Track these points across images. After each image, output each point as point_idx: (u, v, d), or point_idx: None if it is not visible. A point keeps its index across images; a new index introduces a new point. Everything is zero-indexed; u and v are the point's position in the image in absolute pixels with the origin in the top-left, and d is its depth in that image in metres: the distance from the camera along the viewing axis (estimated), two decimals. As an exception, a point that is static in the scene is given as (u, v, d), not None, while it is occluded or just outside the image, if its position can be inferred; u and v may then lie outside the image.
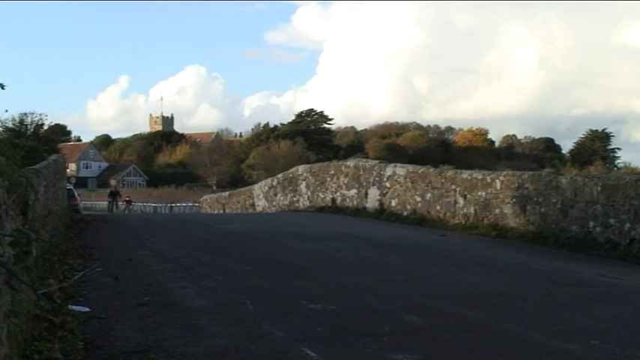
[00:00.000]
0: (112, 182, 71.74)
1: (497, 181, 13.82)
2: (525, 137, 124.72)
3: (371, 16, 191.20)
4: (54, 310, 5.52)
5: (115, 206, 41.73)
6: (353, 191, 19.77)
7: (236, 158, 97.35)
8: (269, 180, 27.59)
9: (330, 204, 21.01)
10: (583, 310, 6.53)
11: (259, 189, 27.79)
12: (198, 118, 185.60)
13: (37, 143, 46.59)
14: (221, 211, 31.27)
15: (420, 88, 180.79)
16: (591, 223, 11.27)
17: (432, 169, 16.89)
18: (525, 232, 12.67)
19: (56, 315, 5.46)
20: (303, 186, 23.38)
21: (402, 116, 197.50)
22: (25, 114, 50.95)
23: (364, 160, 21.94)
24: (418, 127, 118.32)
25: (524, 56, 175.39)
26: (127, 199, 48.66)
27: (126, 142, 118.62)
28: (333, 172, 21.27)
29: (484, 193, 14.12)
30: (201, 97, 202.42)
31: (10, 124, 46.13)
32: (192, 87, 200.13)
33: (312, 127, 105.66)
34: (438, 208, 15.60)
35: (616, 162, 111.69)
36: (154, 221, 18.00)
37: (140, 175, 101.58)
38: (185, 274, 8.33)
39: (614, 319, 6.13)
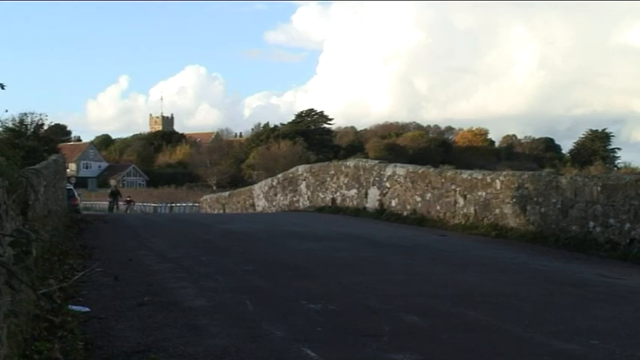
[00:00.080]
0: (112, 182, 71.67)
1: (497, 181, 13.82)
2: (525, 137, 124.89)
3: (371, 16, 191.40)
4: (54, 310, 5.52)
5: (115, 206, 41.68)
6: (353, 191, 19.77)
7: (236, 158, 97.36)
8: (269, 180, 27.59)
9: (330, 204, 21.01)
10: (583, 310, 6.52)
11: (259, 189, 27.79)
12: (198, 118, 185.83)
13: (37, 143, 46.61)
14: (221, 211, 31.27)
15: (420, 88, 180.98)
16: (591, 223, 11.27)
17: (432, 169, 16.89)
18: (525, 232, 12.67)
19: (56, 315, 5.46)
20: (303, 186, 23.38)
21: (402, 116, 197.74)
22: (25, 114, 51.04)
23: (364, 160, 21.94)
24: (418, 127, 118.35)
25: (524, 56, 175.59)
26: (128, 199, 48.54)
27: (126, 142, 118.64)
28: (333, 172, 21.27)
29: (484, 193, 14.12)
30: (201, 97, 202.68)
31: (10, 124, 46.20)
32: (192, 87, 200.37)
33: (312, 127, 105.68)
34: (438, 208, 15.60)
35: (616, 162, 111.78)
36: (153, 221, 18.00)
37: (140, 175, 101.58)
38: (185, 274, 8.33)
39: (614, 319, 6.13)
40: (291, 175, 24.67)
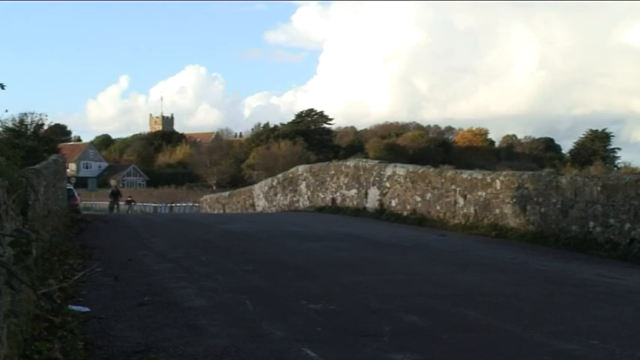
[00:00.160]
0: (112, 182, 71.62)
1: (497, 181, 13.82)
2: (525, 137, 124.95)
3: (371, 16, 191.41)
4: (54, 310, 5.52)
5: (116, 206, 41.66)
6: (353, 191, 19.77)
7: (236, 158, 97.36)
8: (269, 180, 27.59)
9: (330, 204, 21.01)
10: (583, 310, 6.53)
11: (259, 189, 27.79)
12: (198, 118, 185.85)
13: (37, 143, 46.60)
14: (221, 211, 31.27)
15: (420, 88, 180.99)
16: (591, 223, 11.27)
17: (432, 169, 16.89)
18: (525, 232, 12.67)
19: (56, 315, 5.46)
20: (303, 186, 23.38)
21: (402, 116, 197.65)
22: (25, 114, 51.02)
23: (364, 160, 21.94)
24: (418, 127, 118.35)
25: (525, 56, 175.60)
26: (129, 198, 48.37)
27: (126, 142, 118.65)
28: (333, 172, 21.27)
29: (484, 193, 14.12)
30: (201, 97, 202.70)
31: (10, 124, 46.17)
32: (192, 87, 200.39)
33: (312, 127, 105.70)
34: (438, 208, 15.60)
35: (616, 162, 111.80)
36: (153, 221, 18.00)
37: (140, 175, 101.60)
38: (185, 274, 8.33)
39: (614, 319, 6.13)
40: (291, 175, 24.67)
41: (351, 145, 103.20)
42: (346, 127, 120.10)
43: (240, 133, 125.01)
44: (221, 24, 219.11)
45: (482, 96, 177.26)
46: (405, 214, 16.79)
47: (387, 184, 17.87)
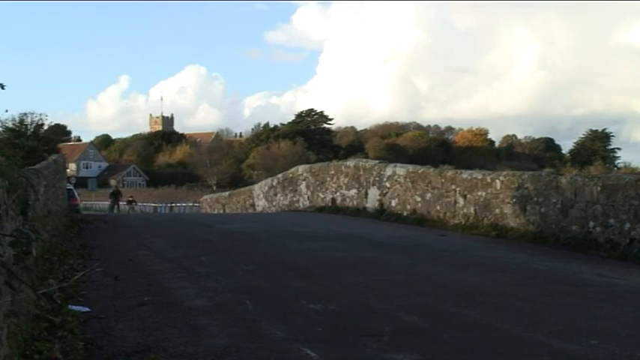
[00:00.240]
0: (112, 182, 71.60)
1: (497, 181, 13.82)
2: (525, 137, 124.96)
3: (371, 16, 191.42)
4: (54, 310, 5.52)
5: (116, 206, 41.66)
6: (353, 191, 19.77)
7: (236, 158, 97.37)
8: (269, 180, 27.59)
9: (330, 204, 21.01)
10: (583, 310, 6.53)
11: (259, 189, 27.79)
12: (198, 118, 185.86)
13: (37, 143, 46.58)
14: (221, 211, 31.27)
15: (420, 88, 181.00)
16: (591, 223, 11.27)
17: (432, 169, 16.89)
18: (525, 232, 12.67)
19: (56, 315, 5.46)
20: (303, 186, 23.38)
21: (402, 116, 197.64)
22: (25, 114, 51.00)
23: (364, 160, 21.94)
24: (418, 127, 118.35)
25: (525, 56, 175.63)
26: (130, 198, 48.23)
27: (126, 142, 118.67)
28: (333, 172, 21.27)
29: (484, 193, 14.12)
30: (201, 97, 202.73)
31: (10, 124, 46.15)
32: (192, 87, 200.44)
33: (312, 127, 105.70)
34: (438, 208, 15.60)
35: (616, 162, 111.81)
36: (153, 221, 18.00)
37: (140, 175, 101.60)
38: (185, 274, 8.33)
39: (614, 319, 6.13)
40: (291, 175, 24.67)
41: (351, 145, 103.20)
42: (346, 127, 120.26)
43: (240, 133, 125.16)
44: (221, 24, 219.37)
45: (483, 96, 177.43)
46: (405, 214, 16.79)
47: (387, 184, 17.86)
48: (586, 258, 10.44)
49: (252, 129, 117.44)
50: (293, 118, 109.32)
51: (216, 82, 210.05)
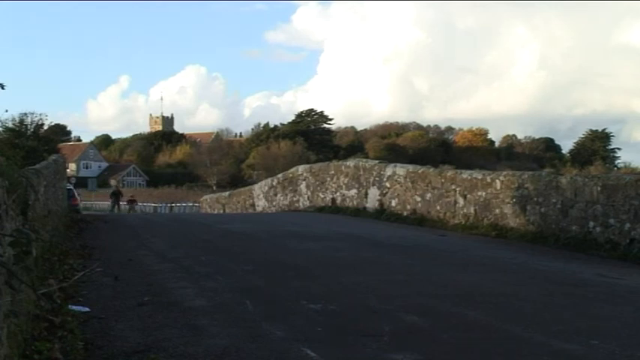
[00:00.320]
0: (113, 182, 71.66)
1: (497, 181, 13.82)
2: (525, 137, 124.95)
3: (371, 16, 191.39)
4: (54, 310, 5.52)
5: (117, 206, 41.66)
6: (353, 191, 19.77)
7: (236, 158, 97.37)
8: (269, 180, 27.59)
9: (330, 204, 21.01)
10: (583, 310, 6.53)
11: (259, 189, 27.79)
12: (199, 118, 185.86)
13: (37, 143, 46.55)
14: (221, 211, 31.27)
15: (421, 87, 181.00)
16: (591, 223, 11.27)
17: (432, 169, 16.89)
18: (525, 232, 12.67)
19: (56, 315, 5.46)
20: (303, 186, 23.38)
21: (402, 116, 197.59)
22: (25, 114, 50.96)
23: (364, 160, 21.94)
24: (418, 127, 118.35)
25: (525, 56, 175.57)
26: (131, 198, 48.06)
27: (126, 142, 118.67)
28: (333, 172, 21.28)
29: (484, 193, 14.12)
30: (202, 97, 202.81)
31: (10, 124, 46.12)
32: (193, 87, 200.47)
33: (312, 127, 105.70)
34: (438, 208, 15.60)
35: (616, 162, 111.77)
36: (153, 221, 18.00)
37: (140, 175, 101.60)
38: (185, 274, 8.33)
39: (614, 319, 6.13)
40: (291, 175, 24.67)
41: (351, 145, 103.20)
42: (346, 127, 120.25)
43: (240, 133, 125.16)
44: (221, 24, 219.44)
45: (483, 96, 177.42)
46: (405, 214, 16.79)
47: (387, 184, 17.87)
48: (586, 258, 10.45)
49: (252, 129, 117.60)
50: (293, 118, 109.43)
51: (216, 82, 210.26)
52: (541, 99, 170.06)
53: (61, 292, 6.24)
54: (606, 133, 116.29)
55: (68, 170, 46.44)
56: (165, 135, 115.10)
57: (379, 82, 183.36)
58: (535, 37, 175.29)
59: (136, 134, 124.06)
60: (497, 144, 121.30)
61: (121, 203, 43.30)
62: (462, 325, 5.84)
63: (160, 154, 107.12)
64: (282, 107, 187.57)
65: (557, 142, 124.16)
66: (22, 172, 6.92)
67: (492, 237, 13.06)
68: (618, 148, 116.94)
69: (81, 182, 58.57)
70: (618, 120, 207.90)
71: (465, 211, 14.64)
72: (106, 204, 46.96)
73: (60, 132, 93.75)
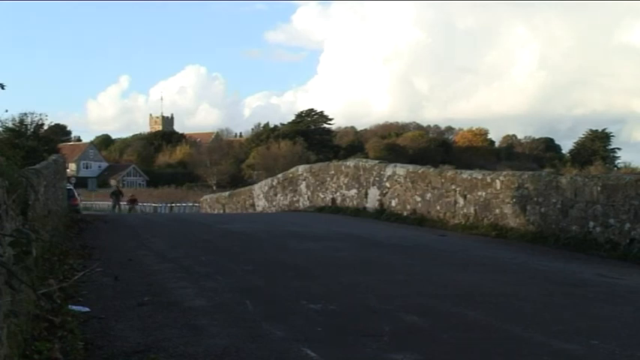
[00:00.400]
0: (113, 182, 71.68)
1: (497, 181, 13.82)
2: (525, 137, 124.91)
3: (371, 16, 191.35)
4: (54, 310, 5.52)
5: (117, 206, 41.69)
6: (353, 191, 19.77)
7: (236, 158, 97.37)
8: (269, 180, 27.59)
9: (330, 204, 21.01)
10: (583, 310, 6.53)
11: (259, 189, 27.79)
12: (199, 118, 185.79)
13: (37, 143, 46.52)
14: (221, 211, 31.27)
15: (421, 87, 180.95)
16: (591, 223, 11.28)
17: (432, 169, 16.90)
18: (525, 232, 12.67)
19: (56, 315, 5.46)
20: (303, 186, 23.38)
21: (402, 116, 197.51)
22: (25, 114, 50.91)
23: (364, 160, 21.95)
24: (418, 127, 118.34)
25: (525, 56, 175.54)
26: (132, 198, 47.99)
27: (126, 142, 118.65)
28: (333, 172, 21.28)
29: (484, 193, 14.12)
30: (202, 97, 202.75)
31: (10, 124, 46.10)
32: (193, 87, 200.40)
33: (312, 127, 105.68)
34: (438, 208, 15.60)
35: (616, 162, 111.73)
36: (153, 221, 18.00)
37: (140, 175, 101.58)
38: (185, 274, 8.33)
39: (614, 319, 6.13)
40: (291, 175, 24.67)
41: (351, 145, 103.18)
42: (346, 127, 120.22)
43: (240, 133, 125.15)
44: (221, 24, 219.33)
45: (483, 96, 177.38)
46: (405, 214, 16.79)
47: (387, 184, 17.87)
48: (586, 258, 10.45)
49: (252, 129, 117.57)
50: (293, 118, 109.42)
51: (216, 82, 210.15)
52: (541, 99, 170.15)
53: (61, 292, 6.24)
54: (606, 133, 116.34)
55: (68, 170, 46.45)
56: (166, 135, 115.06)
57: (379, 82, 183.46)
58: (535, 37, 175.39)
59: (136, 134, 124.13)
60: (497, 144, 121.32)
61: (121, 203, 43.32)
62: (462, 325, 5.84)
63: (160, 154, 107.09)
64: (282, 107, 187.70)
65: (557, 142, 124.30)
66: (22, 172, 6.92)
67: (492, 237, 13.06)
68: (618, 148, 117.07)
69: (81, 182, 58.60)
70: (618, 120, 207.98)
71: (465, 211, 14.64)
72: (106, 204, 46.98)
73: (60, 132, 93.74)
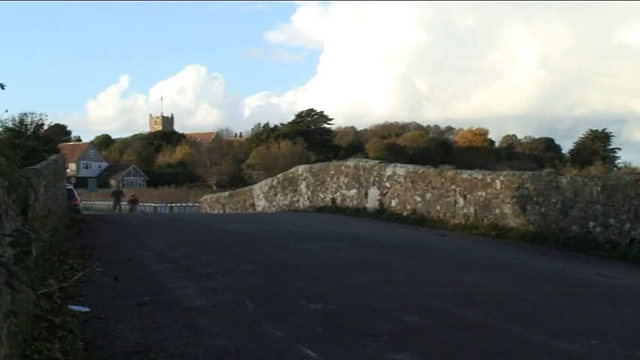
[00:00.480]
0: (112, 182, 71.66)
1: (497, 181, 13.82)
2: (525, 137, 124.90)
3: (371, 16, 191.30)
4: (54, 310, 5.52)
5: (118, 206, 41.70)
6: (353, 191, 19.77)
7: (236, 158, 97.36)
8: (269, 180, 27.59)
9: (330, 204, 21.01)
10: (583, 310, 6.53)
11: (259, 189, 27.79)
12: (199, 118, 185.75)
13: (37, 143, 46.49)
14: (221, 211, 31.27)
15: (421, 87, 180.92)
16: (591, 223, 11.28)
17: (432, 169, 16.90)
18: (525, 232, 12.67)
19: (56, 315, 5.46)
20: (303, 186, 23.38)
21: (402, 116, 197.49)
22: (25, 114, 50.87)
23: (364, 160, 21.95)
24: (418, 127, 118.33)
25: (525, 56, 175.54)
26: (133, 198, 47.94)
27: (126, 142, 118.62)
28: (333, 172, 21.28)
29: (484, 193, 14.12)
30: (202, 97, 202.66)
31: (10, 124, 46.08)
32: (193, 87, 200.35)
33: (312, 127, 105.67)
34: (438, 208, 15.60)
35: (616, 162, 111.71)
36: (154, 221, 18.00)
37: (140, 175, 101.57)
38: (185, 274, 8.33)
39: (614, 319, 6.14)
40: (291, 175, 24.68)
41: (351, 145, 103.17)
42: (346, 127, 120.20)
43: (240, 133, 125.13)
44: (221, 24, 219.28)
45: (483, 96, 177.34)
46: (405, 214, 16.79)
47: (387, 184, 17.87)
48: (586, 258, 10.45)
49: (252, 129, 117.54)
50: (293, 118, 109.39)
51: (216, 82, 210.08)
52: (541, 99, 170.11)
53: (61, 292, 6.24)
54: (606, 133, 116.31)
55: (68, 170, 46.44)
56: (166, 135, 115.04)
57: (379, 82, 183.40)
58: (535, 37, 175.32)
59: (136, 134, 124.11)
60: (497, 144, 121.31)
61: (122, 203, 43.34)
62: (462, 325, 5.84)
63: (160, 154, 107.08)
64: (282, 107, 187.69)
65: (557, 142, 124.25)
66: (22, 172, 6.92)
67: (492, 237, 13.06)
68: (618, 148, 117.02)
69: (81, 182, 58.61)
70: (618, 120, 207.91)
71: (465, 211, 14.64)
72: (106, 204, 46.96)
73: (60, 132, 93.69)
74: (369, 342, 5.20)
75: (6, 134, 42.27)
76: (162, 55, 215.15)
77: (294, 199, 23.95)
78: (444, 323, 5.88)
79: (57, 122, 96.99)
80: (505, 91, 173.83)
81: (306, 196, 23.05)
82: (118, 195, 42.58)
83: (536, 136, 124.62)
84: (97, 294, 6.96)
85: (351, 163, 20.79)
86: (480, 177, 14.49)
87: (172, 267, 8.94)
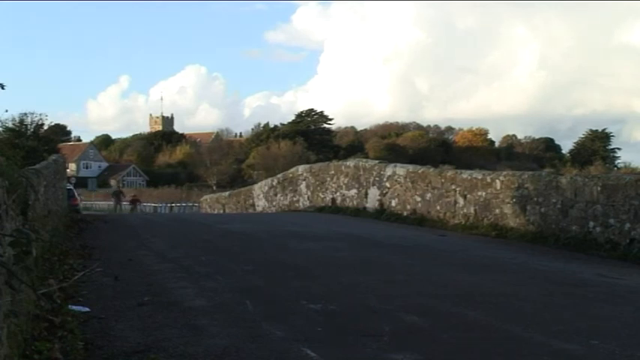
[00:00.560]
0: (113, 182, 71.67)
1: (497, 181, 13.82)
2: (525, 137, 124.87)
3: (371, 16, 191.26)
4: (54, 310, 5.52)
5: (118, 206, 41.71)
6: (353, 191, 19.77)
7: (236, 158, 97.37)
8: (269, 180, 27.59)
9: (330, 204, 21.01)
10: (583, 310, 6.53)
11: (259, 189, 27.79)
12: (199, 118, 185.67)
13: (37, 143, 46.48)
14: (221, 211, 31.28)
15: (421, 87, 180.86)
16: (591, 223, 11.28)
17: (432, 169, 16.90)
18: (525, 232, 12.67)
19: (56, 315, 5.46)
20: (303, 186, 23.39)
21: (402, 116, 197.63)
22: (25, 114, 50.85)
23: (364, 160, 21.95)
24: (418, 127, 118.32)
25: (525, 56, 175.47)
26: (134, 198, 47.81)
27: (126, 142, 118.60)
28: (333, 172, 21.28)
29: (484, 193, 14.12)
30: (202, 97, 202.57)
31: (10, 124, 46.08)
32: (193, 87, 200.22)
33: (312, 127, 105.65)
34: (438, 208, 15.60)
35: (616, 162, 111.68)
36: (154, 221, 18.00)
37: (140, 175, 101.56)
38: (185, 274, 8.33)
39: (614, 319, 6.14)
40: (291, 175, 24.68)
41: (351, 145, 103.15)
42: (346, 127, 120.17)
43: (240, 133, 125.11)
44: (221, 24, 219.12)
45: (483, 96, 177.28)
46: (405, 214, 16.79)
47: (387, 184, 17.87)
48: (586, 258, 10.45)
49: (252, 129, 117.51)
50: (293, 118, 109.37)
51: (216, 82, 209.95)
52: (541, 99, 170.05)
53: (61, 292, 6.24)
54: (606, 133, 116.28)
55: (68, 170, 46.44)
56: (166, 135, 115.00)
57: (379, 82, 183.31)
58: (535, 37, 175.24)
59: (136, 134, 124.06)
60: (497, 144, 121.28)
61: (122, 203, 43.34)
62: (462, 325, 5.85)
63: (160, 154, 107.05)
64: (282, 107, 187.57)
65: (557, 142, 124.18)
66: (22, 172, 6.92)
67: (492, 237, 13.06)
68: (618, 148, 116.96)
69: (81, 182, 58.58)
70: (618, 120, 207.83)
71: (465, 211, 14.64)
72: (106, 204, 46.96)
73: (60, 132, 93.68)
74: (369, 342, 5.20)
75: (6, 134, 42.27)
76: (162, 55, 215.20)
77: (294, 199, 23.95)
78: (444, 323, 5.88)
79: (57, 122, 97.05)
80: (505, 91, 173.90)
81: (306, 196, 23.05)
82: (118, 195, 42.58)
83: (536, 136, 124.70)
84: (97, 294, 6.96)
85: (351, 163, 20.79)
86: (479, 177, 14.49)
87: (172, 267, 8.94)
